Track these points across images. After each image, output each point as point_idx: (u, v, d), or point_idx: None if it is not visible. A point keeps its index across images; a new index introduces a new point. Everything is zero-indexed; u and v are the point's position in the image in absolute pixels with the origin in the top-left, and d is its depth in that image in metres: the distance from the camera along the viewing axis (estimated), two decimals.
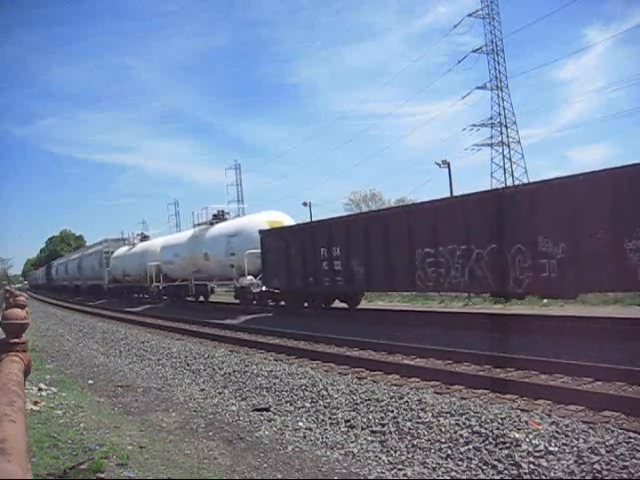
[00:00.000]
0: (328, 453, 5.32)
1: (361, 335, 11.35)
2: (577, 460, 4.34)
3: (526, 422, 5.17)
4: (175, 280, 26.64)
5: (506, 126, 46.27)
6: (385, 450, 5.23)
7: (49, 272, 68.09)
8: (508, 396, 6.43)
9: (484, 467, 4.55)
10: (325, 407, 6.66)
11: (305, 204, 37.76)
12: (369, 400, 6.53)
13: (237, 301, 20.92)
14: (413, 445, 5.20)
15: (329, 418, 6.30)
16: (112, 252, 36.34)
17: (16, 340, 2.63)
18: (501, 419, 5.30)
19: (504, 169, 45.31)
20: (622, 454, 4.31)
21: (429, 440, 5.23)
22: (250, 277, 18.93)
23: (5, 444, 1.34)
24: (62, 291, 55.80)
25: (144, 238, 34.03)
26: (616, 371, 6.88)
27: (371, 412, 6.17)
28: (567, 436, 4.75)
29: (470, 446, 4.93)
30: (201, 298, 26.97)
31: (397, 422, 5.75)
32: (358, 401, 6.57)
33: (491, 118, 46.50)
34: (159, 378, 9.67)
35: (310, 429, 6.07)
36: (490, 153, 46.63)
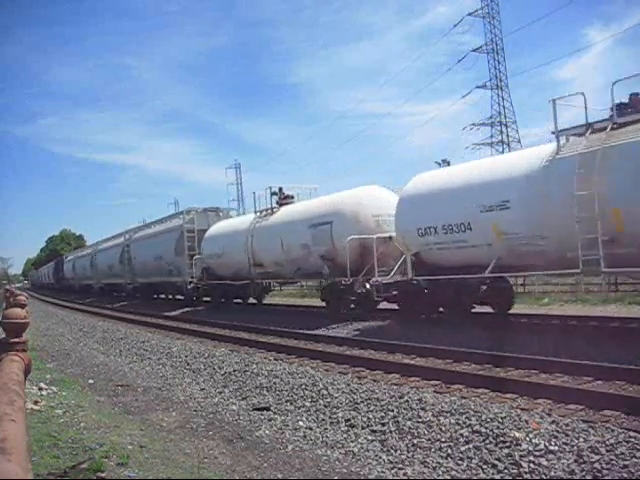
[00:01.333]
0: (328, 452, 5.32)
1: None
2: (577, 459, 4.34)
3: (526, 421, 5.17)
4: (463, 268, 11.47)
5: (506, 125, 46.38)
6: (385, 449, 5.22)
7: (59, 269, 56.15)
8: (508, 395, 6.43)
9: (484, 466, 4.55)
10: (325, 406, 6.66)
11: None
12: (369, 399, 6.53)
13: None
14: (413, 444, 5.20)
15: (329, 417, 6.30)
16: (203, 229, 22.31)
17: (16, 339, 2.63)
18: (501, 418, 5.30)
19: None
20: (622, 453, 4.30)
21: (429, 439, 5.23)
22: None
23: (5, 443, 1.34)
24: (85, 293, 42.81)
25: (285, 199, 18.74)
26: (616, 370, 6.87)
27: (371, 411, 6.17)
28: (567, 435, 4.75)
29: (470, 445, 4.93)
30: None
31: (397, 421, 5.75)
32: (358, 400, 6.57)
33: (491, 117, 46.63)
34: (159, 377, 9.67)
35: (310, 428, 6.07)
36: (490, 152, 46.69)
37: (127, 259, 30.86)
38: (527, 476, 4.28)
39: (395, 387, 7.07)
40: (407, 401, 6.23)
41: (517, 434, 4.88)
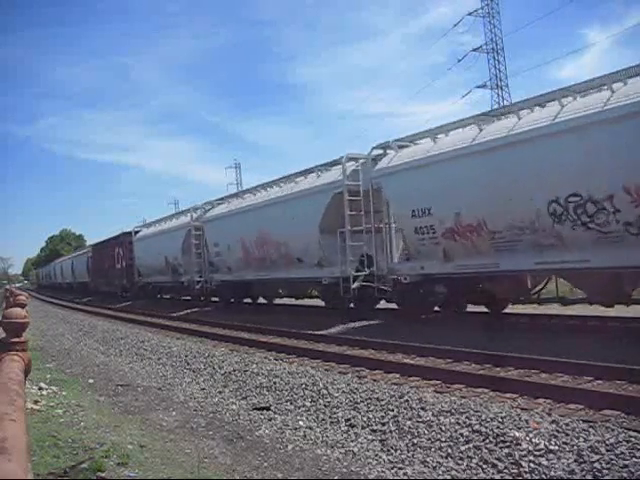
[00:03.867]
0: (328, 452, 5.32)
1: None
2: (577, 459, 4.34)
3: (526, 421, 5.17)
4: None
5: None
6: (385, 449, 5.22)
7: (115, 256, 33.33)
8: (508, 395, 6.43)
9: (484, 466, 4.55)
10: (325, 406, 6.66)
11: None
12: (369, 399, 6.53)
13: None
14: (413, 444, 5.20)
15: (329, 417, 6.30)
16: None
17: (16, 339, 2.63)
18: (501, 418, 5.30)
19: None
20: (622, 453, 4.30)
21: (429, 439, 5.23)
22: None
23: (5, 443, 1.34)
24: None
25: None
26: (617, 370, 6.87)
27: (371, 411, 6.17)
28: (567, 435, 4.75)
29: (470, 445, 4.93)
30: None
31: (397, 421, 5.75)
32: (358, 400, 6.57)
33: None
34: (159, 377, 9.67)
35: (310, 428, 6.07)
36: None
37: None
38: (527, 476, 4.28)
39: (395, 387, 7.07)
40: (407, 401, 6.23)
41: (517, 434, 4.88)
